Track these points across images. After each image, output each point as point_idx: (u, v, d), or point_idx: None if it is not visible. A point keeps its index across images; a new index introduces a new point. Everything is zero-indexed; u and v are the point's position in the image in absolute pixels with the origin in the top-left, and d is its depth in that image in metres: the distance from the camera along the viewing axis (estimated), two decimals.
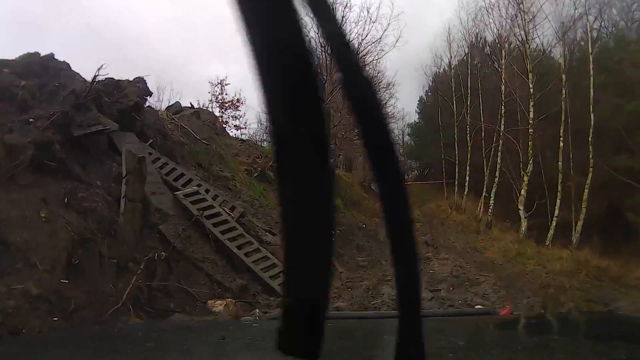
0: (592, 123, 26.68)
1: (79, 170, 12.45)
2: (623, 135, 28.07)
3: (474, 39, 44.19)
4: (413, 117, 71.62)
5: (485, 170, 37.77)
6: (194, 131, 22.41)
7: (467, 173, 41.74)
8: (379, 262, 21.65)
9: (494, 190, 34.71)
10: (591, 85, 27.10)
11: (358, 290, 16.07)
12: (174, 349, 2.32)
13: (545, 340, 2.36)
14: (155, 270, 11.49)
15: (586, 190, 26.93)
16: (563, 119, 28.45)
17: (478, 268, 20.95)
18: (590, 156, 26.80)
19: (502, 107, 34.03)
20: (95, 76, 14.04)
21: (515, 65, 32.70)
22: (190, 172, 17.24)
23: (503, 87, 33.87)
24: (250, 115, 53.14)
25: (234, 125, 39.99)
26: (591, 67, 27.28)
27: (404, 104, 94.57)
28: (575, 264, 21.26)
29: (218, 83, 40.55)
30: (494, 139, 36.13)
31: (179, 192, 15.26)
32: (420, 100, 68.40)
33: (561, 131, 28.47)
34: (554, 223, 28.61)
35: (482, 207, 37.48)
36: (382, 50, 34.59)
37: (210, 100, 39.80)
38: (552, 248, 26.33)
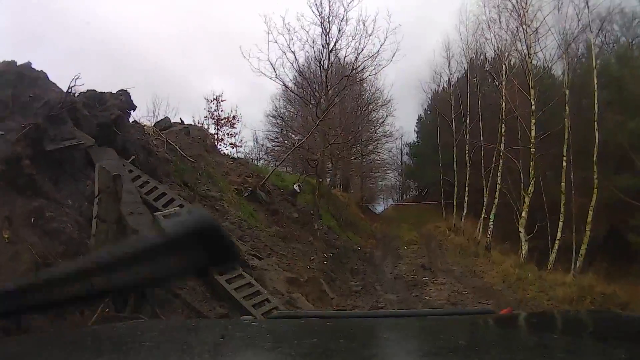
0: (597, 141, 25.57)
1: (49, 187, 11.43)
2: (626, 154, 27.14)
3: (473, 55, 43.61)
4: (412, 136, 70.86)
5: (484, 190, 37.01)
6: (182, 148, 21.51)
7: (466, 194, 40.92)
8: (373, 287, 20.92)
9: (493, 211, 33.84)
10: (595, 102, 26.13)
11: None
12: (173, 348, 2.12)
13: (546, 340, 2.20)
14: (127, 298, 10.54)
15: (590, 212, 25.66)
16: (566, 136, 27.36)
17: (476, 294, 20.16)
18: (595, 176, 25.65)
19: (503, 125, 33.19)
20: (70, 87, 13.12)
21: (517, 81, 31.56)
22: (173, 191, 16.07)
23: (503, 104, 33.03)
24: (246, 133, 52.02)
25: (230, 143, 39.26)
26: (595, 83, 26.30)
27: (403, 122, 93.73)
28: (579, 290, 20.40)
29: (214, 99, 40.03)
30: (494, 159, 35.34)
31: (159, 212, 13.98)
32: (419, 119, 67.75)
33: (564, 150, 27.33)
34: (556, 246, 27.43)
35: (481, 229, 36.77)
36: (379, 65, 33.31)
37: (206, 117, 39.24)
38: (553, 272, 25.40)
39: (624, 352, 1.82)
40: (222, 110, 39.80)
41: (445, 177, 47.80)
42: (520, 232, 27.91)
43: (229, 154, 34.79)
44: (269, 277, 15.10)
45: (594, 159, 25.57)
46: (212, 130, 38.08)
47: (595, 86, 26.44)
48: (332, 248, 24.49)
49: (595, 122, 25.79)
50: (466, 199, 41.21)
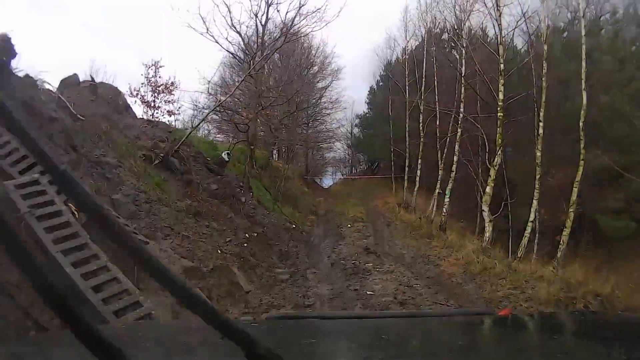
0: (585, 102, 21.70)
1: None
2: (599, 129, 25.28)
3: (432, 23, 40.45)
4: (363, 107, 68.23)
5: (439, 163, 33.76)
6: (84, 107, 18.67)
7: (419, 166, 37.90)
8: (304, 276, 17.29)
9: (449, 186, 30.21)
10: (583, 55, 22.18)
11: None
12: (173, 348, 2.28)
13: (545, 340, 2.35)
14: None
15: (575, 189, 21.71)
16: (543, 99, 23.49)
17: (432, 289, 15.99)
18: (582, 146, 21.79)
19: (462, 87, 29.89)
20: None
21: (478, 45, 29.37)
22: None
23: (464, 62, 29.80)
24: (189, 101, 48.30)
25: (167, 111, 35.31)
26: (583, 36, 22.39)
27: (357, 96, 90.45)
28: (566, 287, 15.77)
29: (152, 65, 35.83)
30: (450, 128, 32.31)
31: (11, 181, 10.43)
32: (371, 90, 64.75)
33: (541, 114, 23.40)
34: (528, 229, 23.63)
35: (434, 206, 33.46)
36: (324, 21, 29.23)
37: (143, 84, 35.13)
38: (526, 261, 21.44)
39: (624, 352, 1.90)
40: (160, 77, 35.74)
41: (396, 149, 44.23)
42: (483, 210, 23.61)
43: (167, 122, 31.89)
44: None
45: (581, 124, 21.64)
46: (149, 97, 34.81)
47: (584, 39, 22.45)
48: (258, 226, 20.75)
49: (583, 81, 21.82)
50: (418, 172, 37.68)
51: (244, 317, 5.89)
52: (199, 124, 28.34)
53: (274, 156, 48.90)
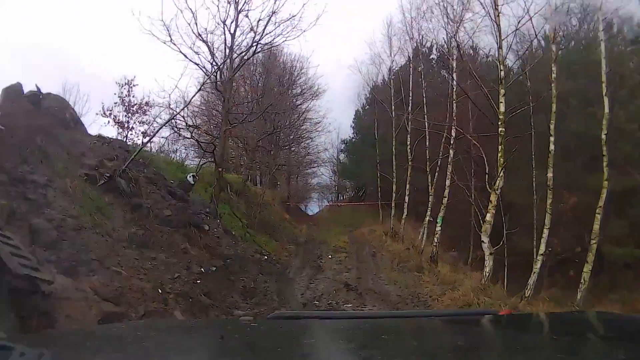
0: (607, 112, 18.90)
1: None
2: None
3: (418, 39, 37.61)
4: (349, 132, 66.53)
5: (430, 188, 31.28)
6: (19, 119, 15.98)
7: (407, 192, 35.14)
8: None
9: (441, 214, 27.46)
10: (603, 55, 19.57)
11: None
12: (173, 348, 2.33)
13: (545, 340, 2.45)
14: None
15: (597, 216, 18.65)
16: (554, 109, 20.57)
17: None
18: (605, 163, 18.84)
19: (454, 103, 27.28)
20: None
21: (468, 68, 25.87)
22: None
23: (454, 76, 27.30)
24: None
25: (142, 132, 32.58)
26: (601, 29, 20.05)
27: (342, 118, 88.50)
28: None
29: (125, 83, 33.10)
30: (441, 150, 29.95)
31: None
32: (356, 114, 62.95)
33: (551, 127, 20.47)
34: (538, 264, 20.39)
35: (424, 235, 30.73)
36: (300, 29, 26.35)
37: (116, 103, 32.38)
38: (533, 302, 18.21)
39: (623, 352, 1.99)
40: (133, 96, 33.04)
41: (383, 174, 41.92)
42: (482, 242, 20.30)
43: (141, 142, 28.55)
44: (67, 312, 9.10)
45: (603, 137, 18.80)
46: (121, 118, 31.08)
47: (601, 34, 20.34)
48: (218, 258, 17.97)
49: (604, 85, 19.22)
50: (407, 198, 35.07)
51: (243, 318, 6.20)
52: (148, 141, 25.41)
53: (255, 181, 46.27)
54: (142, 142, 25.73)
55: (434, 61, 41.35)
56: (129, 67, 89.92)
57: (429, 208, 30.44)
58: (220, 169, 25.22)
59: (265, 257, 23.43)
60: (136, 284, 11.93)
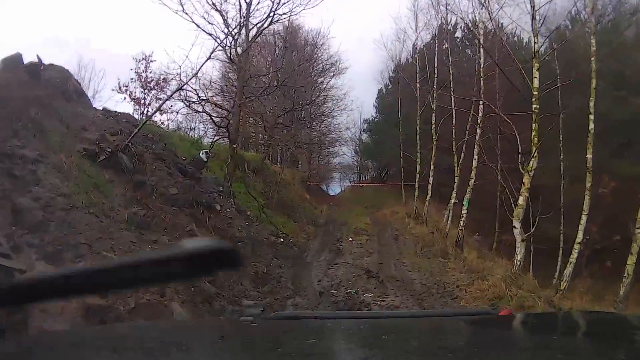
0: None
1: None
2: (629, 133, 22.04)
3: (444, 15, 35.75)
4: (371, 111, 65.03)
5: (455, 169, 29.75)
6: (13, 89, 15.12)
7: (431, 173, 33.69)
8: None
9: (467, 196, 26.06)
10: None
11: None
12: (173, 348, 2.22)
13: (545, 340, 2.34)
14: None
15: None
16: (594, 84, 18.79)
17: None
18: None
19: (481, 80, 25.87)
20: None
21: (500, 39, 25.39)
22: None
23: (482, 52, 26.11)
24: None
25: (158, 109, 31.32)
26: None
27: (365, 97, 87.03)
28: None
29: (142, 59, 31.86)
30: (467, 130, 28.39)
31: None
32: (379, 92, 61.35)
33: (591, 104, 18.64)
34: (575, 253, 18.75)
35: (449, 217, 29.23)
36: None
37: (132, 79, 31.16)
38: (569, 295, 16.86)
39: (623, 352, 1.96)
40: (151, 72, 31.74)
41: (406, 153, 40.12)
42: (514, 227, 18.80)
43: (159, 120, 28.51)
44: (42, 306, 8.08)
45: None
46: (138, 94, 30.73)
47: None
48: (229, 241, 16.35)
49: None
50: (431, 179, 33.61)
51: (244, 317, 4.89)
52: (155, 112, 24.02)
53: (275, 159, 44.98)
54: (147, 114, 24.55)
55: (458, 40, 40.70)
56: (141, 42, 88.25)
57: (454, 190, 29.14)
58: (234, 145, 23.98)
59: (282, 240, 22.27)
60: None
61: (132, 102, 30.51)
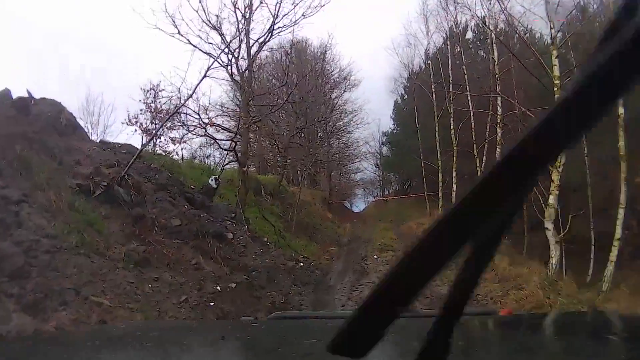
0: None
1: None
2: None
3: (454, 15, 36.03)
4: (389, 123, 64.44)
5: (478, 173, 27.28)
6: (6, 128, 14.42)
7: (454, 180, 32.89)
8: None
9: None
10: None
11: None
12: (173, 348, 2.32)
13: (545, 340, 2.42)
14: None
15: None
16: None
17: None
18: None
19: (496, 75, 24.74)
20: None
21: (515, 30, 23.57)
22: None
23: (495, 48, 25.60)
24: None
25: (170, 139, 30.34)
26: None
27: (381, 110, 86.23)
28: None
29: (151, 89, 30.97)
30: (487, 130, 27.75)
31: None
32: (395, 104, 60.67)
33: None
34: (614, 251, 17.25)
35: None
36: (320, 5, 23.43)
37: (142, 110, 30.34)
38: (612, 298, 15.11)
39: (623, 352, 1.95)
40: (159, 102, 30.91)
41: (427, 162, 39.68)
42: (547, 228, 17.56)
43: (171, 151, 26.98)
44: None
45: None
46: (148, 125, 27.92)
47: None
48: (241, 271, 15.43)
49: None
50: (454, 186, 32.50)
51: (244, 318, 5.49)
52: (149, 140, 22.51)
53: (293, 180, 43.97)
54: (158, 145, 23.58)
55: (470, 41, 39.60)
56: (142, 70, 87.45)
57: None
58: (244, 169, 22.88)
59: (301, 264, 21.03)
60: (121, 317, 9.58)
61: (143, 135, 28.19)
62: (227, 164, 24.31)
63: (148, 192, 15.95)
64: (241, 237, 18.71)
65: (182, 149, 32.20)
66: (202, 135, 23.42)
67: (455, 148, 31.34)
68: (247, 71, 22.65)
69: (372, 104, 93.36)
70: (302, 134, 36.47)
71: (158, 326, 3.79)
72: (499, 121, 24.66)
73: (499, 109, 24.58)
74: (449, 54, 34.15)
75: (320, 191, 49.48)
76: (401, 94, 57.88)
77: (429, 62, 39.16)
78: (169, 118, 20.77)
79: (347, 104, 51.57)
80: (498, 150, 24.51)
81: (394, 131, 61.55)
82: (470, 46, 39.18)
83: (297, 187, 38.69)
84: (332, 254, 26.91)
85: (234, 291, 13.75)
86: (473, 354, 2.06)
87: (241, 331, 2.75)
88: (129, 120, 27.27)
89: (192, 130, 22.78)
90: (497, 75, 24.78)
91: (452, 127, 31.35)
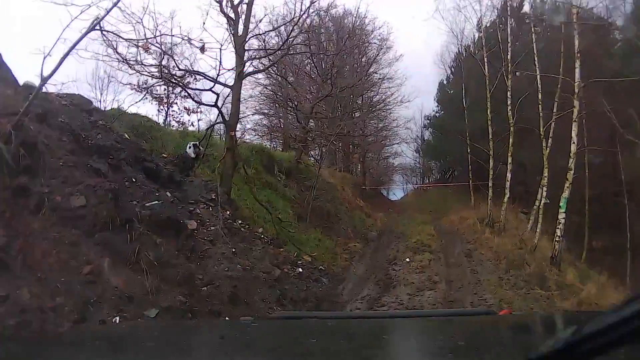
0: None
1: None
2: None
3: None
4: (432, 105, 61.87)
5: (543, 158, 23.17)
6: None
7: (509, 168, 27.28)
8: None
9: (565, 194, 19.35)
10: None
11: None
12: (173, 348, 2.29)
13: (545, 340, 1.72)
14: None
15: None
16: None
17: None
18: None
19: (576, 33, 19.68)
20: None
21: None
22: None
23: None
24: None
25: (184, 108, 26.92)
26: None
27: (423, 93, 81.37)
28: None
29: (164, 52, 27.42)
30: (555, 107, 23.39)
31: None
32: (440, 85, 56.21)
33: None
34: None
35: (539, 223, 22.84)
36: None
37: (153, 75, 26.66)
38: None
39: (623, 353, 1.69)
40: (174, 67, 27.29)
41: (476, 145, 34.46)
42: None
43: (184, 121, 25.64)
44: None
45: None
46: (161, 91, 25.33)
47: None
48: (186, 285, 9.62)
49: None
50: (509, 175, 27.12)
51: (244, 317, 4.35)
52: (52, 73, 16.33)
53: (319, 161, 39.02)
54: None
55: (525, 16, 34.78)
56: None
57: (544, 186, 22.85)
58: (232, 133, 17.01)
59: (300, 270, 15.23)
60: None
61: (155, 102, 25.82)
62: (215, 124, 18.82)
63: (56, 154, 10.36)
64: (212, 229, 13.16)
65: (198, 120, 30.14)
66: (158, 77, 17.24)
67: (512, 128, 26.11)
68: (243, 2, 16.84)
69: (414, 79, 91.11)
70: (330, 104, 31.83)
71: (158, 326, 3.80)
72: (576, 91, 19.33)
73: (577, 73, 19.27)
74: (508, 16, 30.46)
75: (353, 176, 45.22)
76: (447, 75, 54.31)
77: (483, 29, 34.36)
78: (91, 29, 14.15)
79: (385, 81, 46.49)
80: (575, 128, 19.39)
81: (437, 114, 57.69)
82: (527, 21, 34.40)
83: (325, 168, 34.14)
84: (353, 252, 21.81)
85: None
86: (473, 354, 2.02)
87: (241, 331, 2.70)
88: (137, 86, 22.87)
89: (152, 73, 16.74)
90: (574, 26, 19.84)
91: (509, 103, 26.11)
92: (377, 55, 43.29)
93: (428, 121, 60.39)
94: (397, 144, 55.45)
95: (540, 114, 23.38)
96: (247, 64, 17.92)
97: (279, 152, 30.93)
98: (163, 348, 2.19)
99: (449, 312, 7.44)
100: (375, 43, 42.40)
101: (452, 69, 51.57)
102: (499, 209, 27.76)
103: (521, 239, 22.49)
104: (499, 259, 19.72)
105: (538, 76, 23.27)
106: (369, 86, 43.35)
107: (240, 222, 15.53)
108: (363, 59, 41.48)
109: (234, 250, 12.78)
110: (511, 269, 17.92)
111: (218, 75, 16.12)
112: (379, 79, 45.38)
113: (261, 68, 19.17)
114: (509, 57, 27.15)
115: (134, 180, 12.47)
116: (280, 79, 29.59)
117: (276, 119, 39.12)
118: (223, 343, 2.31)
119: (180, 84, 17.04)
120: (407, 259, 20.03)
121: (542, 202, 22.44)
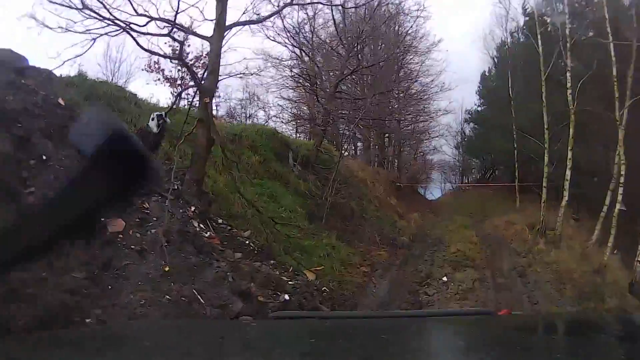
0: None
1: None
2: None
3: None
4: (474, 99, 57.56)
5: (619, 153, 20.41)
6: None
7: (568, 166, 23.90)
8: None
9: None
10: None
11: None
12: (173, 348, 2.17)
13: (545, 340, 2.41)
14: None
15: None
16: None
17: None
18: None
19: None
20: None
21: None
22: None
23: None
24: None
25: (165, 78, 25.99)
26: None
27: (464, 87, 79.02)
28: None
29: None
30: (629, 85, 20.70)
31: None
32: (482, 77, 53.90)
33: None
34: None
35: (611, 236, 19.80)
36: None
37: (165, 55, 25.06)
38: None
39: (623, 353, 1.98)
40: (188, 45, 25.18)
41: (528, 135, 31.27)
42: None
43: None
44: None
45: None
46: (175, 74, 25.22)
47: None
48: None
49: None
50: (568, 173, 23.78)
51: (244, 317, 5.70)
52: None
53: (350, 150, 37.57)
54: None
55: None
56: None
57: (620, 186, 19.75)
58: (207, 100, 12.59)
59: (286, 298, 10.27)
60: None
61: (167, 83, 25.71)
62: (185, 89, 15.01)
63: None
64: (151, 232, 8.98)
65: (216, 106, 28.63)
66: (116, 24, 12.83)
67: (572, 116, 22.23)
68: None
69: (454, 65, 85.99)
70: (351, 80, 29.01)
71: (158, 326, 3.27)
72: None
73: None
74: None
75: (387, 171, 42.42)
76: (489, 66, 51.97)
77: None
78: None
79: (423, 68, 43.61)
80: None
81: (479, 109, 55.08)
82: None
83: (353, 160, 33.13)
84: (376, 264, 17.86)
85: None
86: (473, 354, 2.02)
87: (241, 331, 2.61)
88: (149, 66, 24.88)
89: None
90: None
91: (568, 85, 22.41)
92: (412, 27, 39.21)
93: (469, 115, 57.17)
94: (437, 137, 53.28)
95: (616, 92, 19.54)
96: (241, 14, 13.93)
97: (297, 139, 28.21)
98: (163, 348, 2.02)
99: (449, 312, 7.15)
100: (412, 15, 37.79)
101: (496, 59, 48.89)
102: (550, 213, 24.55)
103: (584, 253, 18.78)
104: (561, 281, 16.17)
105: (611, 44, 19.33)
106: (406, 66, 40.62)
107: (217, 222, 11.77)
108: (399, 30, 38.09)
109: (167, 268, 8.34)
110: (580, 296, 14.42)
111: (177, 14, 11.85)
112: (417, 64, 42.34)
113: (255, 19, 14.74)
114: (567, 29, 23.71)
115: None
116: (298, 51, 26.77)
117: (304, 104, 35.56)
118: (223, 343, 2.13)
119: (124, 24, 12.53)
120: (445, 278, 16.52)
121: (618, 208, 18.70)
